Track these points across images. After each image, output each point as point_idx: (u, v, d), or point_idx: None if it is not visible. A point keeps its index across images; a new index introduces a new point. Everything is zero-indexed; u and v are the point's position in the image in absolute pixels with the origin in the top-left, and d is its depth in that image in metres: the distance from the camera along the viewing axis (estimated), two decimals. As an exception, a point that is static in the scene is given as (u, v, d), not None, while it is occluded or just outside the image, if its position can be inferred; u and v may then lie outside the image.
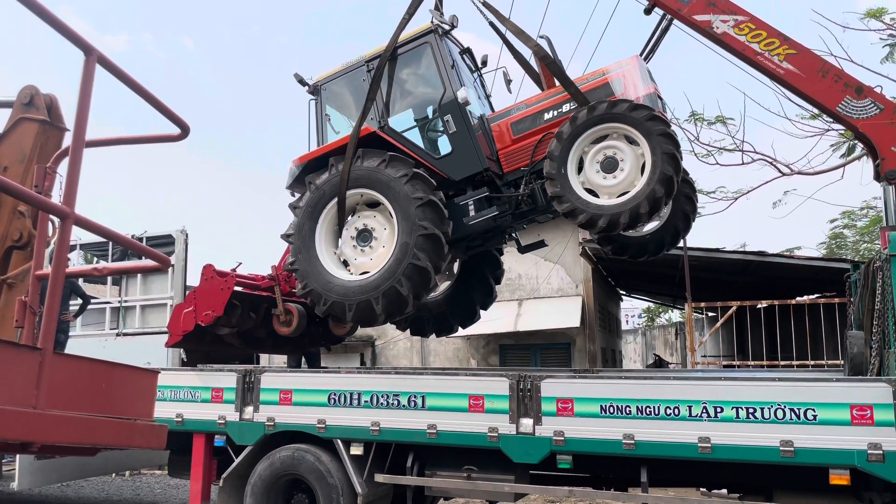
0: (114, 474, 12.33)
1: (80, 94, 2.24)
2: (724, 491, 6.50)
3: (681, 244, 11.62)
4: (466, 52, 7.89)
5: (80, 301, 10.05)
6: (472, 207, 7.04)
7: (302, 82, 7.81)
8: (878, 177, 6.43)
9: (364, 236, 7.04)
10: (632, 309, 47.17)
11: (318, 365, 9.26)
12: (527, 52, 7.73)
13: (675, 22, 7.34)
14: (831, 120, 12.25)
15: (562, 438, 5.87)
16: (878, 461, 5.01)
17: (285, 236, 7.37)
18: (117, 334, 11.41)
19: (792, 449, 5.22)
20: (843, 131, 12.33)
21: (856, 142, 14.01)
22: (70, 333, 11.29)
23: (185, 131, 2.56)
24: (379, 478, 6.59)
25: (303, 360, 10.12)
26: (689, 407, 5.55)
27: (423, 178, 6.74)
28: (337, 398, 6.75)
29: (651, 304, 36.77)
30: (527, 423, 6.02)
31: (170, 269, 10.15)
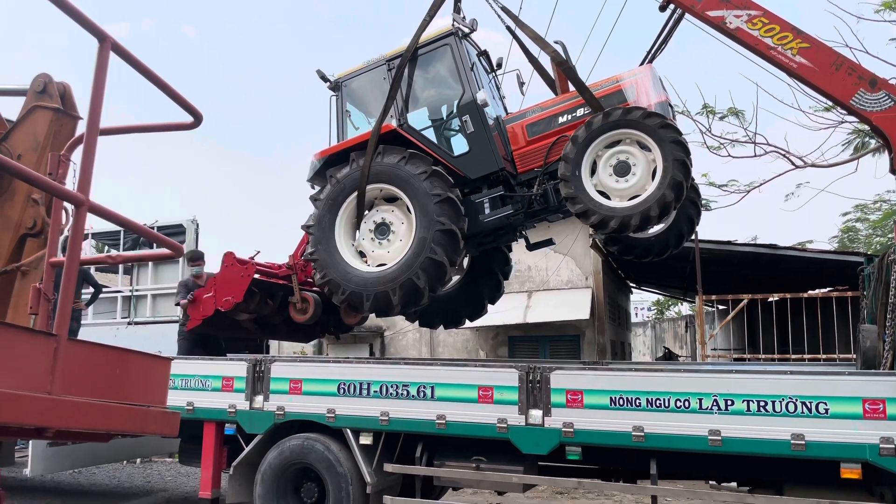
0: (125, 461, 12.44)
1: (95, 81, 2.24)
2: (734, 484, 6.48)
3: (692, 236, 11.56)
4: (483, 54, 8.10)
5: (91, 290, 10.11)
6: (487, 205, 7.23)
7: (324, 78, 8.00)
8: (893, 170, 6.38)
9: (382, 230, 7.27)
10: (641, 302, 47.05)
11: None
12: (538, 54, 7.81)
13: (687, 16, 7.33)
14: (845, 112, 12.16)
15: (571, 430, 5.87)
16: (890, 455, 4.98)
17: (306, 227, 7.58)
18: (128, 323, 11.48)
19: (803, 442, 5.20)
20: (857, 123, 12.20)
21: (868, 138, 13.91)
22: (82, 322, 11.40)
23: (198, 119, 2.56)
24: (388, 467, 6.62)
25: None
26: (700, 400, 5.54)
27: (441, 176, 6.96)
28: (346, 388, 6.78)
29: (661, 297, 36.65)
30: (536, 415, 6.03)
31: (181, 258, 10.20)
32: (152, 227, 11.62)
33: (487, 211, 7.22)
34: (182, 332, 8.99)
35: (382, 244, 7.24)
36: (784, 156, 12.98)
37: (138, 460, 12.73)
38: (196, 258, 9.44)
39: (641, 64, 8.05)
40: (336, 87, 7.96)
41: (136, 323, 11.43)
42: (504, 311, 14.16)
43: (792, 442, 5.23)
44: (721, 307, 20.30)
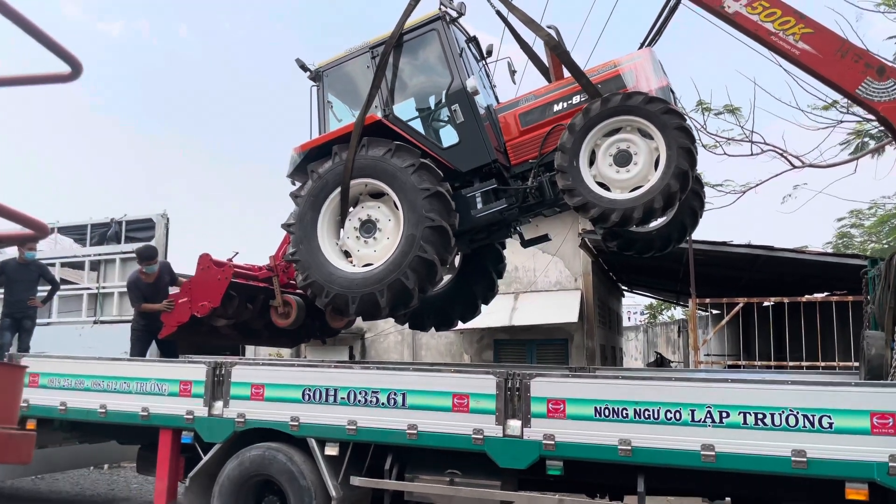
0: (91, 467, 11.87)
1: None
2: (729, 500, 6.03)
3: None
4: (472, 40, 7.76)
5: (49, 287, 9.54)
6: (479, 200, 6.87)
7: (304, 68, 7.64)
8: (901, 164, 5.96)
9: (367, 227, 6.91)
10: (634, 305, 46.77)
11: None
12: (532, 41, 7.44)
13: (685, 2, 6.96)
14: (846, 109, 11.74)
15: (552, 443, 5.40)
16: (901, 475, 4.52)
17: (286, 226, 7.20)
18: (94, 322, 10.94)
19: (804, 459, 4.74)
20: (859, 120, 11.79)
21: (867, 139, 13.50)
22: (47, 320, 10.87)
23: (76, 70, 2.08)
24: (355, 481, 6.13)
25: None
26: (692, 411, 5.07)
27: (429, 169, 6.59)
28: (312, 394, 6.30)
29: (654, 301, 36.27)
30: (514, 426, 5.55)
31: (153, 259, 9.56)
32: (120, 221, 11.11)
33: (480, 205, 6.85)
34: (135, 332, 8.44)
35: (368, 243, 6.85)
36: (781, 155, 12.58)
37: (105, 466, 12.18)
38: (149, 256, 8.36)
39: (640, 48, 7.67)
40: (317, 76, 7.59)
41: (102, 322, 10.89)
42: (490, 314, 13.64)
43: (792, 459, 4.76)
44: (715, 311, 19.87)
